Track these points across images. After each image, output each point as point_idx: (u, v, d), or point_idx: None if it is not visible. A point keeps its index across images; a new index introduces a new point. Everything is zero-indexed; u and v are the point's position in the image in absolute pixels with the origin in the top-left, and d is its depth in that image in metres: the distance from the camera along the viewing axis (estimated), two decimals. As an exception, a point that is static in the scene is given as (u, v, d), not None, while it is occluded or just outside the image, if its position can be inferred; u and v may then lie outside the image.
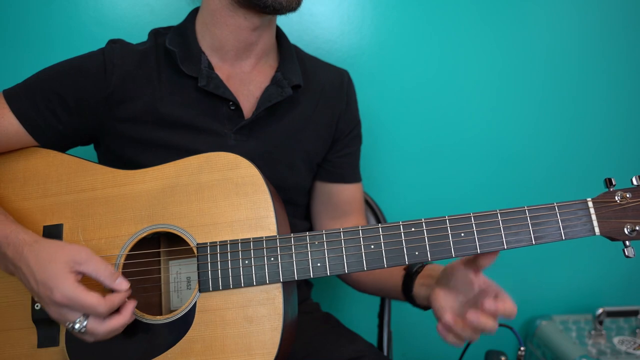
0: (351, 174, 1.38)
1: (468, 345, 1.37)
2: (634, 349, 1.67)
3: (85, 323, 0.92)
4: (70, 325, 0.93)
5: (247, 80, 1.22)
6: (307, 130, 1.26)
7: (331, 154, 1.33)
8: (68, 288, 0.91)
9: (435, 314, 1.05)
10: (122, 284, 0.95)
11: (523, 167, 1.80)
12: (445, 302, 1.03)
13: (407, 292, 1.16)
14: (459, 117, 1.75)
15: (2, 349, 1.05)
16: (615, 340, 1.72)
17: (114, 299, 0.93)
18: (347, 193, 1.37)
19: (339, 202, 1.37)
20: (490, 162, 1.78)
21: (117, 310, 0.95)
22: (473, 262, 1.00)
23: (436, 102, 1.73)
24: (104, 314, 0.93)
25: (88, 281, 0.95)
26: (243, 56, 1.21)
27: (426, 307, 1.14)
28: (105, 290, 0.98)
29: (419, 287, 1.14)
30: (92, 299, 0.91)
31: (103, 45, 1.19)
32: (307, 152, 1.27)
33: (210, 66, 1.18)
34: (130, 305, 0.97)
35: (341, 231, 1.00)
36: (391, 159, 1.76)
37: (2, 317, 1.06)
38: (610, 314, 1.76)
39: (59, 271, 0.92)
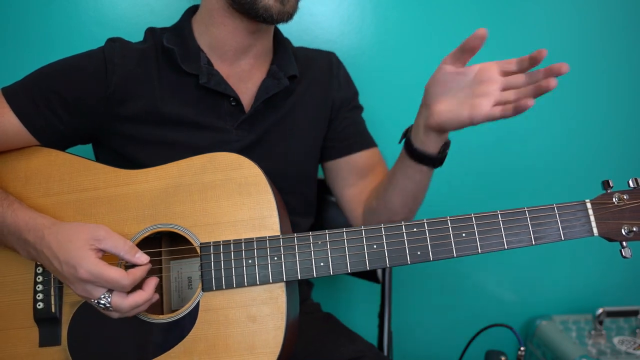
0: (359, 142, 1.34)
1: (468, 345, 1.38)
2: (634, 349, 1.67)
3: (109, 298, 0.95)
4: (96, 301, 0.95)
5: (246, 78, 1.22)
6: (305, 118, 1.27)
7: (332, 131, 1.32)
8: (90, 264, 0.93)
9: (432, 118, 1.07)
10: (142, 258, 0.98)
11: (523, 167, 1.80)
12: (450, 105, 1.04)
13: (409, 148, 1.19)
14: (459, 117, 1.75)
15: (4, 348, 1.05)
16: (615, 340, 1.73)
17: (135, 273, 0.96)
18: (361, 160, 1.34)
19: (357, 171, 1.34)
20: (490, 162, 1.78)
21: (140, 288, 0.98)
22: (460, 56, 1.03)
23: (436, 102, 1.73)
24: (127, 287, 0.95)
25: (110, 260, 0.97)
26: (241, 56, 1.21)
27: (435, 153, 1.17)
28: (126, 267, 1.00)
29: (415, 134, 1.16)
30: (114, 273, 0.93)
31: (102, 44, 1.18)
32: (307, 139, 1.28)
33: (209, 63, 1.18)
34: (152, 282, 0.99)
35: (344, 231, 1.01)
36: (391, 159, 1.75)
37: (3, 317, 1.06)
38: (610, 314, 1.76)
39: (80, 249, 0.94)
